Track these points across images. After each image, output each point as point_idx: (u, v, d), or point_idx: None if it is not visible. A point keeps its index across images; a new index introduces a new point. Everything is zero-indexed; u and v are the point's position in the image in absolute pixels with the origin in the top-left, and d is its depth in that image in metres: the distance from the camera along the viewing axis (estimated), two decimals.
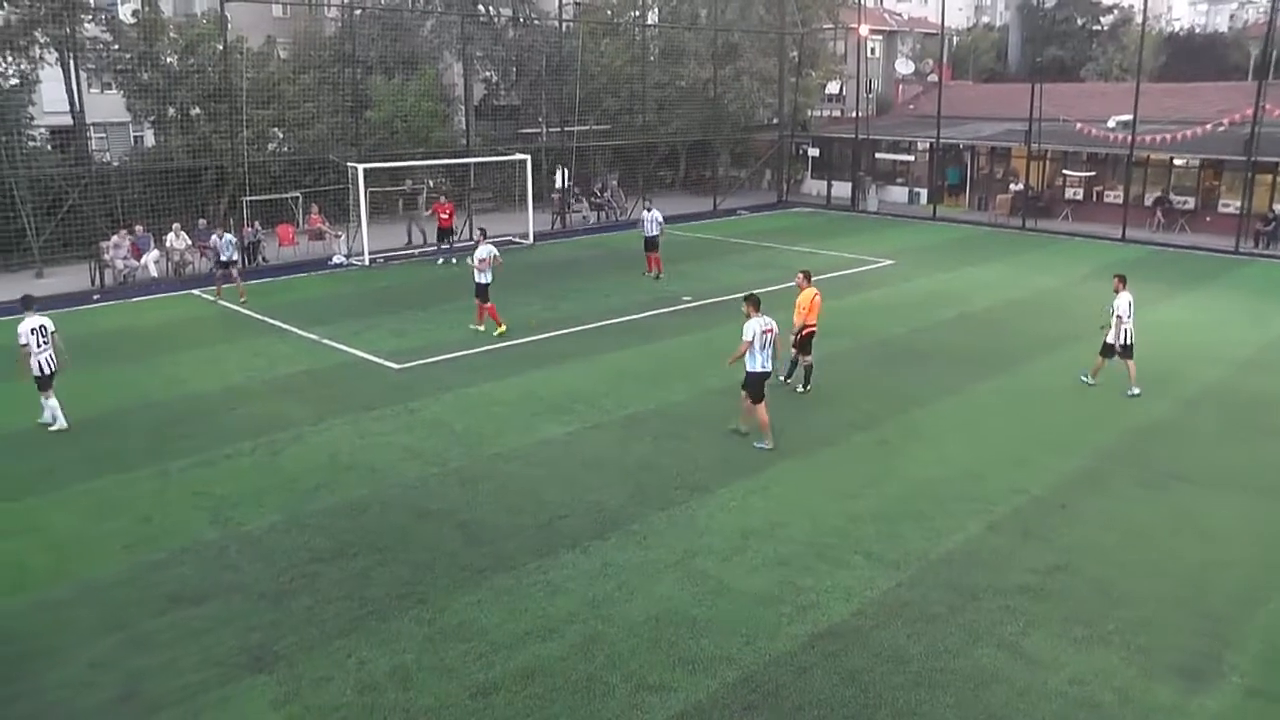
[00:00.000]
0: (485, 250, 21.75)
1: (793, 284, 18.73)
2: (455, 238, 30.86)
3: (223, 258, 25.23)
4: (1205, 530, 12.73)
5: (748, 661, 9.68)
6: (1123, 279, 18.10)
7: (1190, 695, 9.23)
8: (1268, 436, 16.05)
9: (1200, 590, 11.17)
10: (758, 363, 15.05)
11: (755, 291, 16.11)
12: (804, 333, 17.82)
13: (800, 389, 18.02)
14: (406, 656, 9.75)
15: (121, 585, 11.19)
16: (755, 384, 15.19)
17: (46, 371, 15.94)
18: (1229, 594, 11.09)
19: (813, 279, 18.16)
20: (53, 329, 16.10)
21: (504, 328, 21.70)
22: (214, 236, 26.44)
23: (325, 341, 21.31)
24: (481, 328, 21.96)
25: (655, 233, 27.64)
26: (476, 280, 21.69)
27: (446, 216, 30.53)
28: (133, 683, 9.36)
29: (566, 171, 38.56)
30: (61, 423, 16.01)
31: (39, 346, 15.79)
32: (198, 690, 9.23)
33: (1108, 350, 18.09)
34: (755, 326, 14.99)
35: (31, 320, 15.83)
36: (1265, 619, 10.57)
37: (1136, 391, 17.79)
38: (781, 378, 17.68)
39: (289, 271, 29.72)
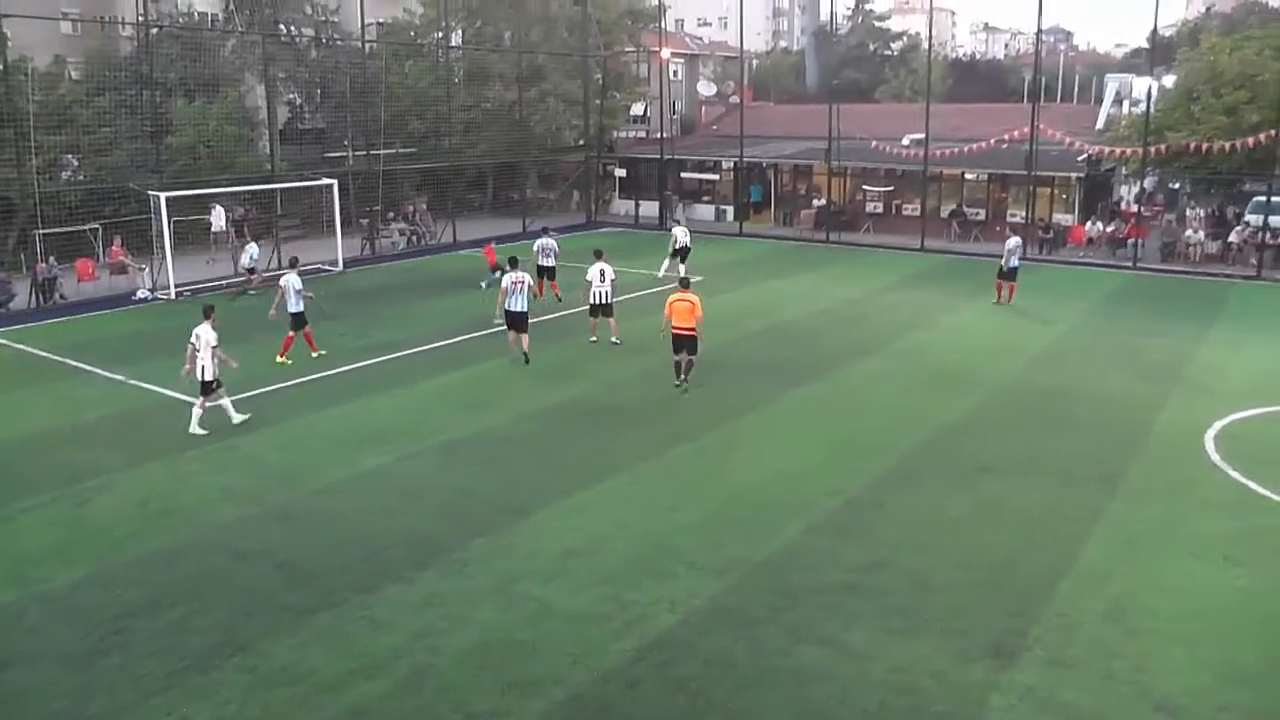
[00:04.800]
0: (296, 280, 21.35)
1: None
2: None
3: None
4: (1010, 517, 13.44)
5: (577, 680, 9.62)
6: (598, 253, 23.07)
7: (1001, 671, 9.73)
8: (1061, 426, 17.07)
9: (1007, 574, 11.78)
10: (516, 304, 20.97)
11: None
12: (674, 333, 19.15)
13: (677, 383, 19.26)
14: (230, 708, 9.27)
15: None
16: (512, 320, 21.18)
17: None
18: (1033, 575, 11.74)
19: (689, 286, 19.70)
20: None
21: (288, 360, 21.15)
22: None
23: (132, 382, 20.12)
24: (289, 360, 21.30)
25: (552, 263, 28.01)
26: (293, 310, 21.20)
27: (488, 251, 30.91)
28: None
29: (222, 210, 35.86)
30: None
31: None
32: None
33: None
34: (507, 279, 21.11)
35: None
36: (1062, 594, 11.26)
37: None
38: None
39: (90, 308, 27.87)
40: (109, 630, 10.65)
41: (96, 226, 31.52)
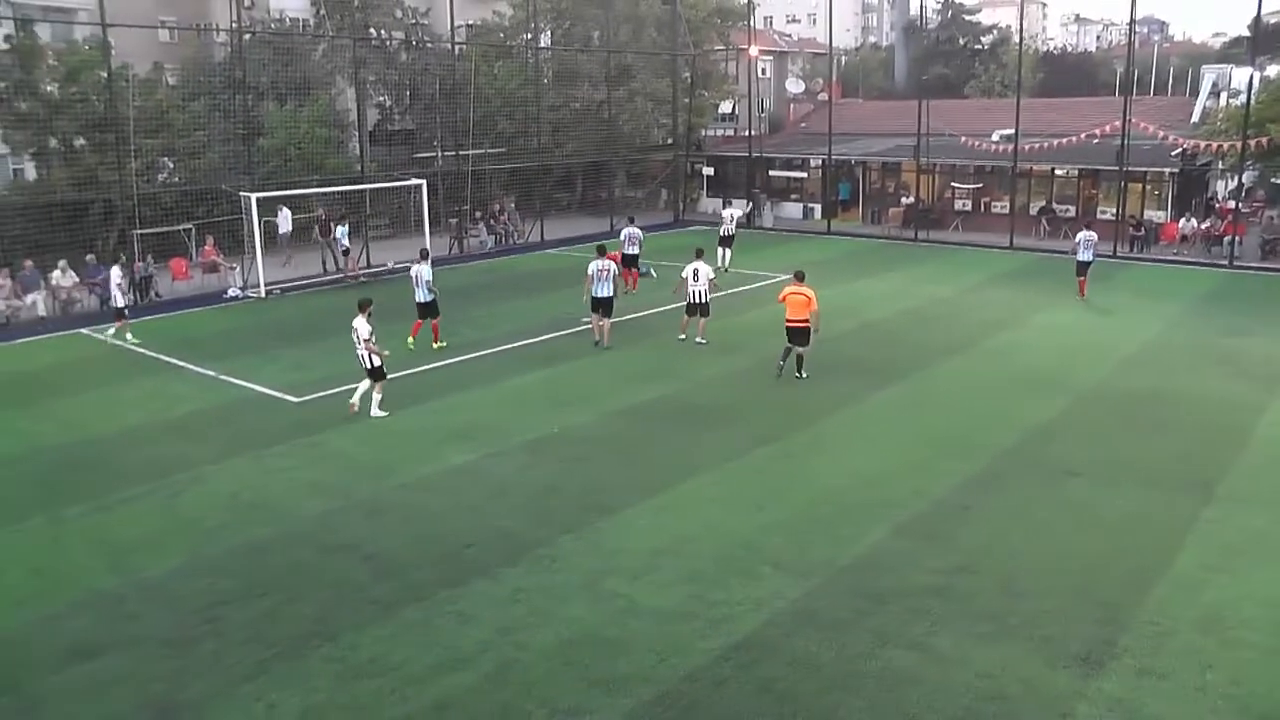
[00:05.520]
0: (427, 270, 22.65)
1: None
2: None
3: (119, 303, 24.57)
4: (1099, 522, 13.16)
5: (662, 678, 9.68)
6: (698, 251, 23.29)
7: (1088, 679, 9.56)
8: (1152, 430, 16.66)
9: (1096, 580, 11.55)
10: (601, 290, 22.20)
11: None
12: (788, 325, 19.67)
13: (797, 375, 19.74)
14: (318, 696, 9.52)
15: (11, 644, 10.67)
16: (597, 304, 22.30)
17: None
18: (1122, 581, 11.50)
19: (804, 279, 19.95)
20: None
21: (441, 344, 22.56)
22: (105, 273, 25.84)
23: (223, 378, 20.76)
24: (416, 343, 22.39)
25: (636, 250, 28.87)
26: (421, 300, 22.35)
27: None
28: None
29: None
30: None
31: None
32: None
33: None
34: (594, 266, 22.33)
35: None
36: (1153, 603, 10.99)
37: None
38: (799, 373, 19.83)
39: (183, 306, 28.92)
40: (203, 618, 11.00)
41: (190, 227, 32.56)
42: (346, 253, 32.25)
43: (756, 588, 11.45)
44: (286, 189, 33.26)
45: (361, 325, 17.56)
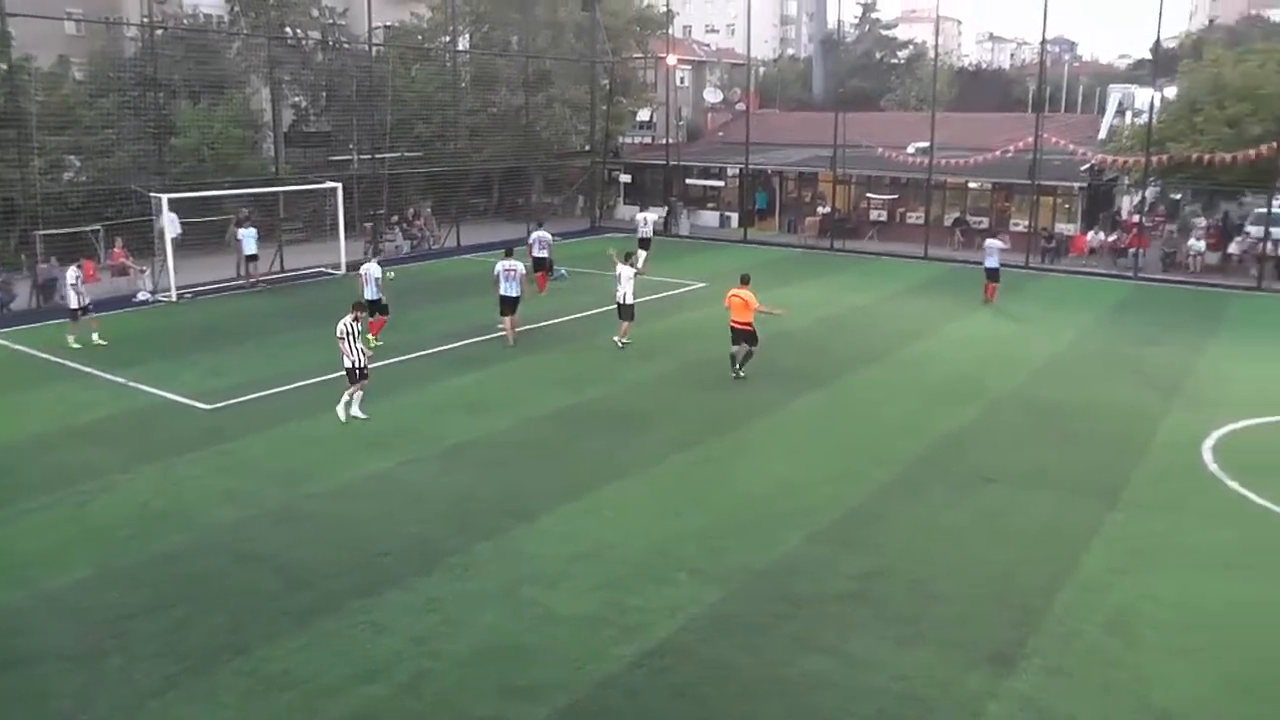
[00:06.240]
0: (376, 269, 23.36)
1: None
2: None
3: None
4: (1010, 528, 13.44)
5: (577, 686, 9.63)
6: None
7: (1000, 680, 9.76)
8: (1062, 437, 17.07)
9: (1007, 583, 11.79)
10: (509, 290, 22.80)
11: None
12: (732, 326, 20.25)
13: (733, 374, 20.26)
14: (228, 712, 9.28)
15: None
16: (504, 304, 22.92)
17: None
18: (1033, 585, 11.75)
19: (747, 282, 20.45)
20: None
21: (380, 342, 22.53)
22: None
23: (133, 384, 20.14)
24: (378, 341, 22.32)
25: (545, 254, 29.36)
26: (370, 297, 22.64)
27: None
28: None
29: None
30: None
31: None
32: None
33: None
34: (500, 266, 22.97)
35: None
36: (1061, 604, 11.29)
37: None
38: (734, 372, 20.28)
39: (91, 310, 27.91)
40: (109, 632, 10.65)
41: (98, 228, 31.53)
42: (252, 259, 31.12)
43: (673, 594, 11.44)
44: (199, 190, 32.46)
45: (341, 326, 17.57)
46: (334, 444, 16.67)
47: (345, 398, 17.72)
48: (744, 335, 20.16)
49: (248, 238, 30.61)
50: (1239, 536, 13.20)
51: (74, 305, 23.10)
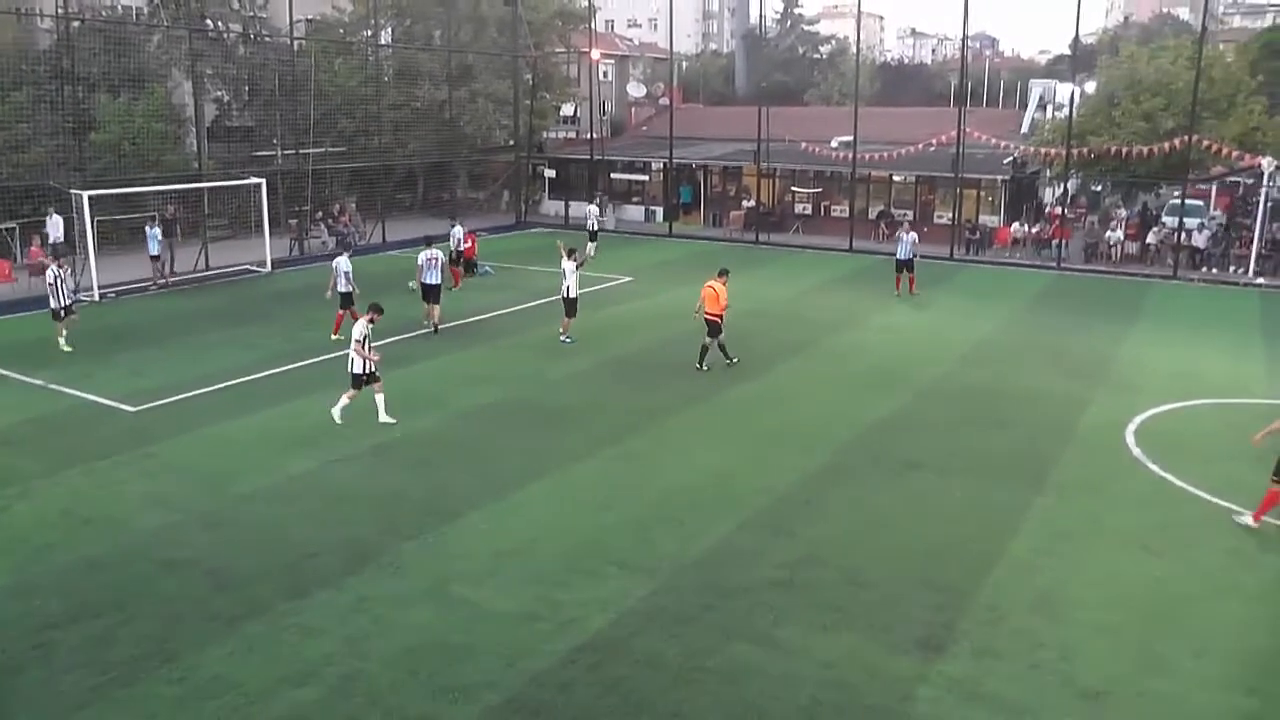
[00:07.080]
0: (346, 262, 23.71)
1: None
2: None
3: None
4: (938, 512, 13.66)
5: (509, 683, 9.56)
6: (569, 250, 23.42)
7: (929, 663, 9.90)
8: (989, 423, 17.38)
9: (935, 567, 11.96)
10: (430, 278, 23.61)
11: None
12: (706, 318, 20.77)
13: (697, 367, 20.61)
14: None
15: None
16: (426, 292, 23.74)
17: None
18: (960, 568, 11.95)
19: (722, 275, 21.30)
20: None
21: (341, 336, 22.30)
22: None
23: (52, 386, 19.55)
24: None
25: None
26: (343, 290, 23.31)
27: (469, 246, 32.08)
28: None
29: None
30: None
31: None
32: None
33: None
34: (423, 255, 23.78)
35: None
36: (989, 587, 11.50)
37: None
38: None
39: (6, 311, 26.98)
40: (30, 644, 10.32)
41: (14, 226, 30.64)
42: (155, 259, 29.96)
43: (602, 588, 11.42)
44: (121, 186, 31.61)
45: (358, 327, 17.30)
46: (260, 445, 16.39)
47: (344, 400, 17.33)
48: (710, 326, 20.71)
49: (152, 238, 29.67)
50: (1160, 517, 13.53)
51: (53, 305, 22.47)
